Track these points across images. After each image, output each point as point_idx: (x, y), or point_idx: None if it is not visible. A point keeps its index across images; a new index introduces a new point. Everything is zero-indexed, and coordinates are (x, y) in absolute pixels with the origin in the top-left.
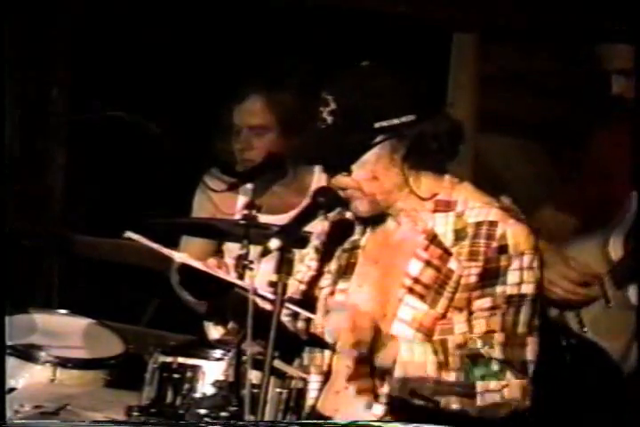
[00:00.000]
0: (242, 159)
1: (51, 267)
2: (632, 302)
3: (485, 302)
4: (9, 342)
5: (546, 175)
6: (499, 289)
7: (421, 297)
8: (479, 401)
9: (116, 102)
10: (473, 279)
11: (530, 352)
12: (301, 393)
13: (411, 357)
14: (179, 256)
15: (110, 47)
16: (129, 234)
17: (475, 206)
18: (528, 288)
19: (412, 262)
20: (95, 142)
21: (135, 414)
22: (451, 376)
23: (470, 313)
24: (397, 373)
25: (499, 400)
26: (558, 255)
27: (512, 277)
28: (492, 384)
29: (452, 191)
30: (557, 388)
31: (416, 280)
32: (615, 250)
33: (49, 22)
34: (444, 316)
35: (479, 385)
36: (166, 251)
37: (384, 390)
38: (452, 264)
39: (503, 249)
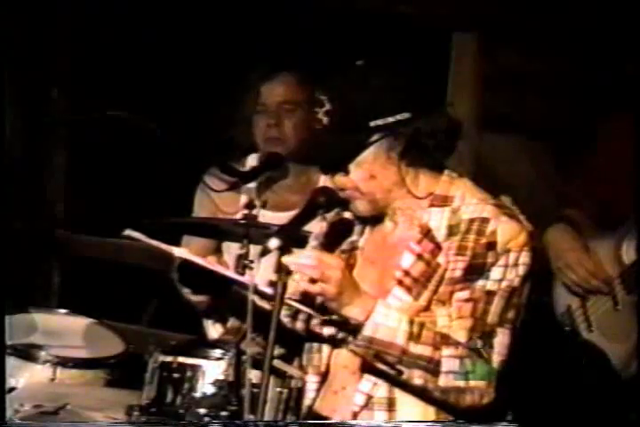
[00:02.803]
0: (267, 138)
1: (51, 267)
2: None
3: (464, 294)
4: (9, 342)
5: (547, 174)
6: (479, 283)
7: (409, 289)
8: (442, 381)
9: (116, 102)
10: (458, 273)
11: (498, 343)
12: (301, 393)
13: (384, 320)
14: (178, 251)
15: (110, 46)
16: (128, 232)
17: (471, 203)
18: (507, 283)
19: (405, 255)
20: (95, 142)
21: (135, 413)
22: (418, 349)
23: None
24: (366, 331)
25: (462, 385)
26: (580, 242)
27: (495, 273)
28: (457, 367)
29: (451, 186)
30: (557, 387)
31: (406, 273)
32: (628, 254)
33: (49, 22)
34: (427, 308)
35: (444, 364)
36: (165, 246)
37: (350, 346)
38: (441, 258)
39: (491, 246)
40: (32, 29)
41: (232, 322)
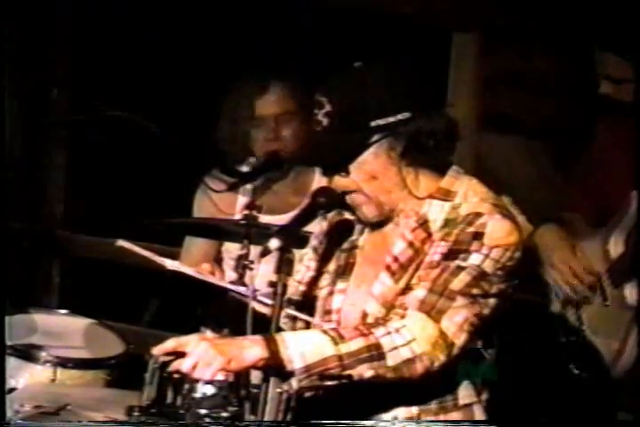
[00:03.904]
0: (266, 152)
1: (51, 267)
2: (629, 301)
3: (434, 272)
4: (9, 342)
5: (547, 174)
6: (454, 263)
7: (393, 274)
8: (390, 361)
9: (116, 102)
10: (437, 257)
11: (456, 309)
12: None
13: (302, 345)
14: (170, 264)
15: (110, 46)
16: (120, 242)
17: (472, 201)
18: (480, 267)
19: (397, 242)
20: (95, 142)
21: (135, 414)
22: (351, 346)
23: None
24: (297, 364)
25: (409, 355)
26: (567, 241)
27: (473, 258)
28: (398, 340)
29: (455, 182)
30: (553, 384)
31: (395, 259)
32: (615, 249)
33: (49, 22)
34: (404, 292)
35: (385, 344)
36: (157, 258)
37: (294, 387)
38: (427, 246)
39: (477, 236)
40: (32, 29)
41: (228, 329)
